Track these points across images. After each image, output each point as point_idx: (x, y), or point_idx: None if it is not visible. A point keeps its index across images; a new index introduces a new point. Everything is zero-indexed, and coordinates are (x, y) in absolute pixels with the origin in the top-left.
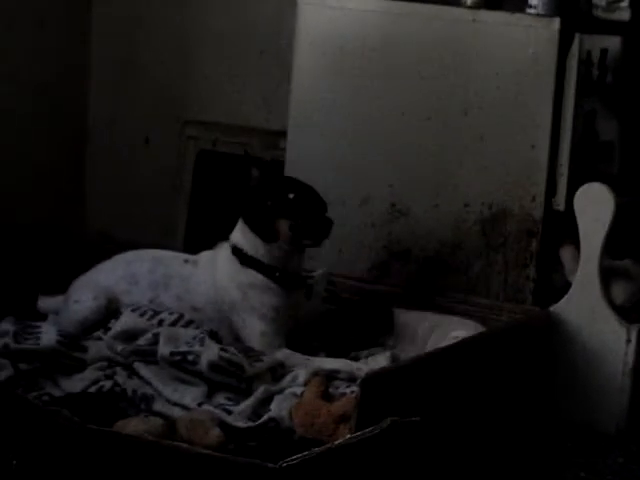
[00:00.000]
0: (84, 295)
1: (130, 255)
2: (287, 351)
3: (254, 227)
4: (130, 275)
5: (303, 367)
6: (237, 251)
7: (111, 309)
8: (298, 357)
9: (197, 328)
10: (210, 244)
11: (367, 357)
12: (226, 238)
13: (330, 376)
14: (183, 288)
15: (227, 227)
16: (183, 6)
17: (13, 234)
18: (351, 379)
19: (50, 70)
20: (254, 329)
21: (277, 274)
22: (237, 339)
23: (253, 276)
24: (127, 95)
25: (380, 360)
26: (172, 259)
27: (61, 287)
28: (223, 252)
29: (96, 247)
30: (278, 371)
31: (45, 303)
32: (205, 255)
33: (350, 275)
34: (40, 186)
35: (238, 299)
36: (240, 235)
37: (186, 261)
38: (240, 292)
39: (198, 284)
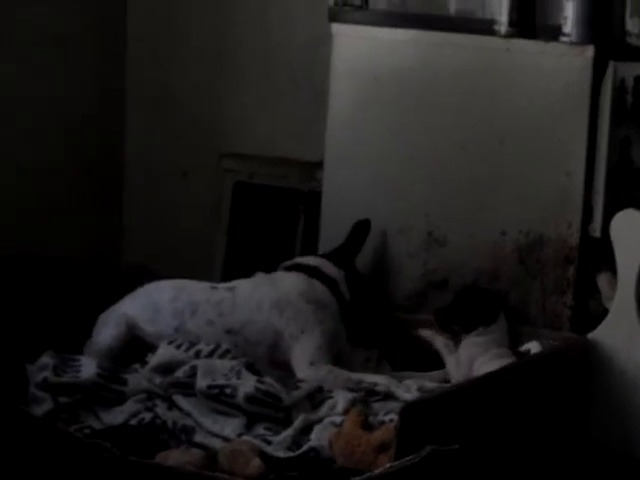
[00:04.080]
0: (104, 326)
1: (151, 286)
2: (331, 367)
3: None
4: (152, 304)
5: (342, 392)
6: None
7: (133, 335)
8: (342, 373)
9: (233, 358)
10: (249, 276)
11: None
12: (264, 269)
13: (369, 391)
14: (215, 312)
15: (265, 258)
16: (217, 39)
17: (51, 267)
18: (388, 396)
19: (86, 104)
20: (310, 344)
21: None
22: (272, 361)
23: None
24: (163, 129)
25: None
26: (195, 286)
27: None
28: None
29: (133, 281)
30: (316, 397)
31: None
32: (244, 281)
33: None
34: (78, 220)
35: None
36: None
37: (214, 287)
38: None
39: (236, 306)
